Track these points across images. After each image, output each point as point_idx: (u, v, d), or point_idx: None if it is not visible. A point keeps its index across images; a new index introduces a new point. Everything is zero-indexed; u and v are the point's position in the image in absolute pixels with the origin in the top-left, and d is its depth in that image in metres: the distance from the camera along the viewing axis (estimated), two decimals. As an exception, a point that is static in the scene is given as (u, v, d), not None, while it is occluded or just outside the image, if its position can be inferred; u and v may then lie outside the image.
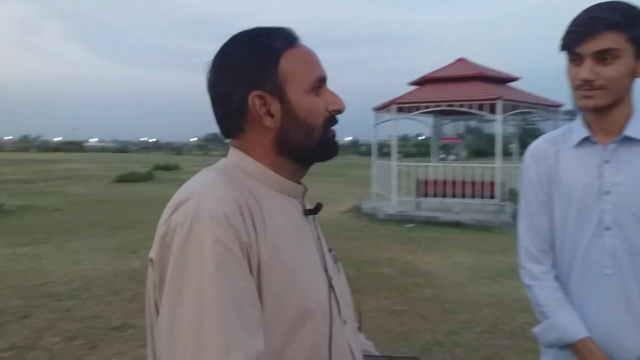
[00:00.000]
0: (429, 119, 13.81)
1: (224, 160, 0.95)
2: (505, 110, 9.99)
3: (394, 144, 11.07)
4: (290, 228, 0.89)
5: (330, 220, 9.61)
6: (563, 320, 1.30)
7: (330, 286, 0.92)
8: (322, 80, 0.93)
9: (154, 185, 16.78)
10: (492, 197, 9.85)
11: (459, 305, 4.70)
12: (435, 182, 10.36)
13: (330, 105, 0.93)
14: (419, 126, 13.74)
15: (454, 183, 10.21)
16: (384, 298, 4.91)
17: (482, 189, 9.96)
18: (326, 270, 0.94)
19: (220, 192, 0.81)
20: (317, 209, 0.99)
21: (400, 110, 10.89)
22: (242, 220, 0.79)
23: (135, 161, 28.37)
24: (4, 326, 4.10)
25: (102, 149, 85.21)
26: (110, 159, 40.09)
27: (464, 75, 11.13)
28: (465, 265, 6.20)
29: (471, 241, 7.79)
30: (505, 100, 9.77)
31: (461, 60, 11.90)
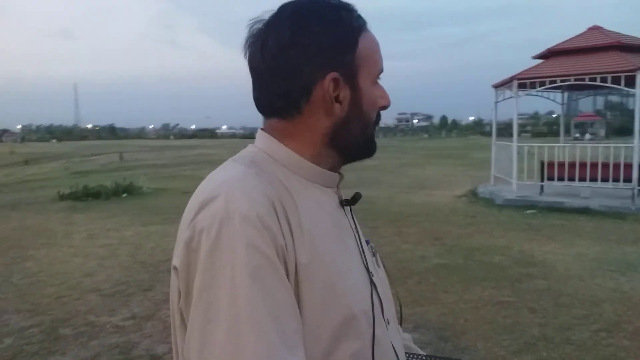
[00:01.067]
0: (558, 95, 12.70)
1: (250, 147, 0.84)
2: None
3: (515, 123, 10.37)
4: (327, 223, 0.80)
5: (443, 205, 9.34)
6: None
7: (372, 284, 0.84)
8: (381, 72, 0.85)
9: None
10: (628, 180, 8.84)
11: (575, 299, 4.32)
12: (561, 165, 9.54)
13: (380, 100, 0.84)
14: (552, 103, 12.69)
15: (583, 165, 9.31)
16: (491, 288, 4.68)
17: (617, 172, 8.96)
18: (367, 267, 0.85)
19: (250, 188, 0.72)
20: (354, 199, 0.89)
21: (522, 86, 10.14)
22: (276, 219, 0.70)
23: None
24: (128, 297, 4.61)
25: (232, 135, 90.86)
26: (238, 144, 42.65)
27: (596, 45, 10.03)
28: (589, 256, 5.66)
29: (600, 229, 7.08)
30: (646, 71, 8.64)
31: (595, 29, 10.72)
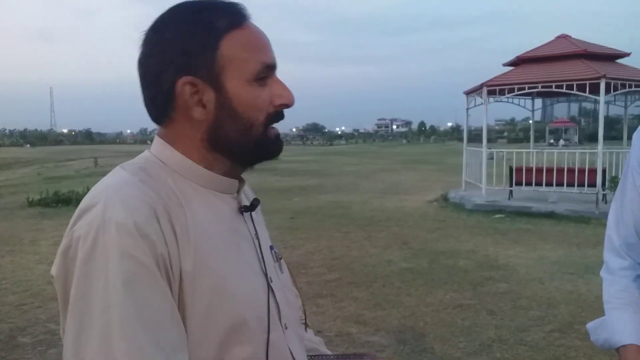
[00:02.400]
0: (529, 102, 12.97)
1: (145, 153, 0.83)
2: (613, 90, 9.11)
3: (484, 129, 10.56)
4: (219, 229, 0.79)
5: (414, 210, 9.45)
6: (615, 321, 1.17)
7: (270, 289, 0.84)
8: (269, 69, 0.80)
9: (251, 174, 17.40)
10: (593, 185, 9.07)
11: (533, 301, 4.44)
12: (529, 170, 9.73)
13: (277, 99, 0.80)
14: (527, 110, 12.89)
15: (550, 170, 9.51)
16: (452, 291, 4.76)
17: (582, 177, 9.19)
18: (265, 272, 0.85)
19: (130, 196, 0.71)
20: (253, 205, 0.88)
21: (492, 93, 10.35)
22: (158, 227, 0.70)
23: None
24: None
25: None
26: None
27: (564, 54, 10.28)
28: (551, 260, 5.80)
29: (564, 233, 7.26)
30: (609, 78, 8.90)
31: (562, 37, 10.99)
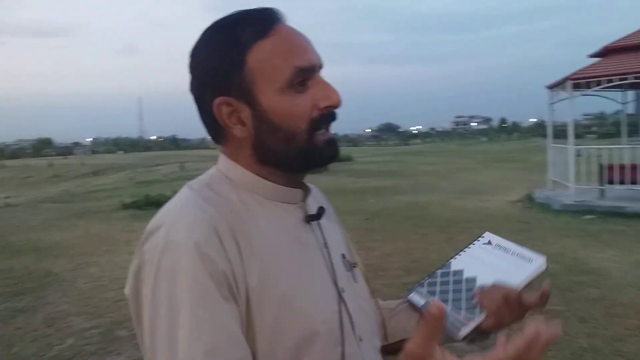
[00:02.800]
0: (619, 94, 12.10)
1: (211, 169, 0.84)
2: None
3: (570, 124, 9.99)
4: (284, 241, 0.78)
5: (496, 211, 9.13)
6: None
7: (342, 300, 0.81)
8: (304, 72, 0.76)
9: (326, 176, 17.62)
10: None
11: (629, 309, 4.15)
12: (622, 167, 9.09)
13: (321, 101, 0.77)
14: (617, 103, 12.04)
15: (647, 167, 8.83)
16: (539, 296, 4.55)
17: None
18: (335, 283, 0.82)
19: (191, 216, 0.72)
20: (319, 214, 0.86)
21: (577, 86, 9.77)
22: (219, 245, 0.70)
23: (313, 154, 29.92)
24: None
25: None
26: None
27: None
28: (649, 264, 5.39)
29: (664, 235, 6.71)
30: None
31: (659, 24, 10.19)
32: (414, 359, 0.55)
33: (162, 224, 0.72)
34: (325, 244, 0.85)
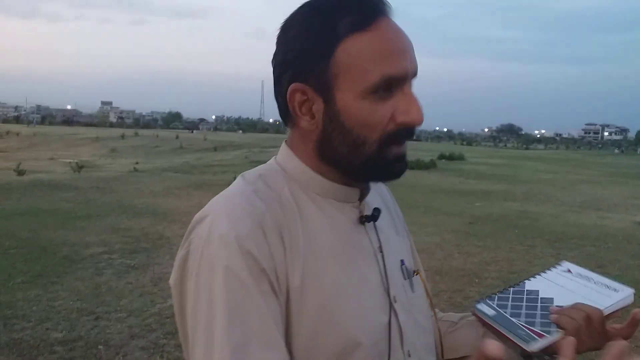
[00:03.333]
0: None
1: (271, 160, 0.82)
2: None
3: None
4: (334, 241, 0.74)
5: (617, 231, 8.31)
6: None
7: (392, 310, 0.77)
8: (395, 80, 0.69)
9: (434, 174, 17.25)
10: None
11: None
12: None
13: (400, 116, 0.70)
14: None
15: None
16: (653, 330, 4.10)
17: None
18: (388, 291, 0.77)
19: (238, 208, 0.69)
20: (375, 215, 0.80)
21: None
22: (263, 240, 0.68)
23: (423, 150, 29.76)
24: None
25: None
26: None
27: None
28: None
29: None
30: None
31: None
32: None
33: (209, 214, 0.71)
34: (380, 247, 0.80)
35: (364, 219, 0.79)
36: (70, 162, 15.88)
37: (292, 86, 0.71)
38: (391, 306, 0.77)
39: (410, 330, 0.79)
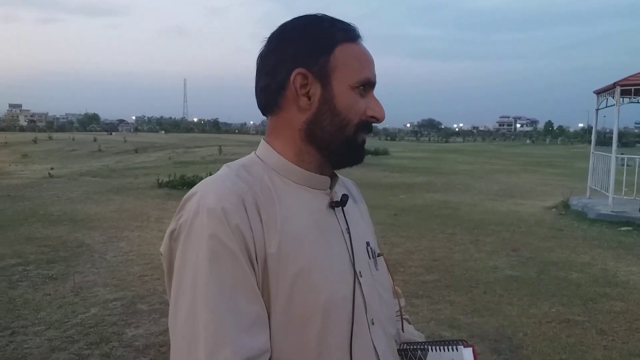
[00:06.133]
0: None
1: (251, 154, 0.94)
2: None
3: (615, 132, 9.63)
4: (307, 221, 0.86)
5: (529, 216, 8.92)
6: None
7: (357, 282, 0.88)
8: (370, 84, 0.90)
9: (360, 169, 17.52)
10: None
11: (653, 325, 4.00)
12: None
13: (370, 111, 0.90)
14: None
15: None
16: (560, 305, 4.46)
17: None
18: (353, 265, 0.89)
19: (223, 187, 0.81)
20: (343, 201, 0.93)
21: (626, 93, 9.39)
22: (244, 214, 0.79)
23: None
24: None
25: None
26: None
27: None
28: (682, 281, 5.17)
29: None
30: None
31: None
32: None
33: (198, 191, 0.83)
34: (348, 229, 0.92)
35: (333, 204, 0.92)
36: (-25, 170, 14.69)
37: (297, 70, 0.86)
38: (356, 279, 0.88)
39: (374, 301, 0.91)
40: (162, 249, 0.83)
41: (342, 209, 0.93)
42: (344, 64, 0.87)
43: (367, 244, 0.97)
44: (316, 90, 0.87)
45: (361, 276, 0.89)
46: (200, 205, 0.79)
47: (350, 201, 0.96)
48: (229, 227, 0.77)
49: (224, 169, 0.89)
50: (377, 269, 0.96)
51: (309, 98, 0.87)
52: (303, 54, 0.87)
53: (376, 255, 0.99)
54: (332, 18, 0.91)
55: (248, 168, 0.89)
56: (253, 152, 0.94)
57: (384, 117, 0.91)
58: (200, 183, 0.86)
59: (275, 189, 0.86)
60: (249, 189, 0.83)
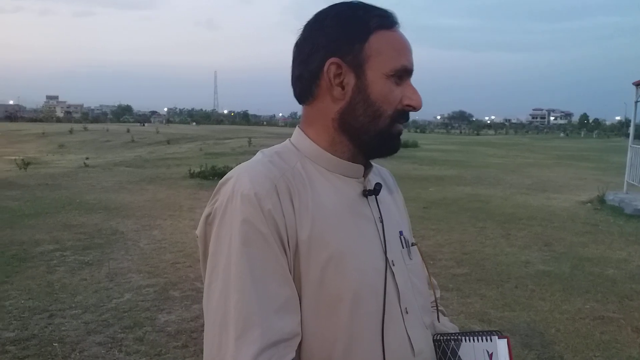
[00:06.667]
0: None
1: (285, 141, 0.95)
2: None
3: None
4: (339, 208, 0.86)
5: (562, 210, 8.72)
6: None
7: (389, 270, 0.88)
8: (406, 71, 0.88)
9: (390, 161, 17.19)
10: None
11: (692, 324, 3.88)
12: None
13: (406, 99, 0.87)
14: None
15: None
16: (594, 301, 4.36)
17: None
18: (386, 254, 0.89)
19: (257, 172, 0.82)
20: (376, 189, 0.92)
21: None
22: (277, 200, 0.79)
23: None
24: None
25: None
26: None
27: None
28: None
29: None
30: None
31: None
32: None
33: (232, 176, 0.83)
34: (381, 218, 0.91)
35: (366, 192, 0.91)
36: (15, 159, 15.22)
37: (331, 60, 0.85)
38: (387, 267, 0.88)
39: (408, 291, 0.91)
40: (198, 231, 0.85)
41: (376, 198, 0.92)
42: (378, 52, 0.85)
43: (400, 232, 0.96)
44: (350, 79, 0.86)
45: (394, 265, 0.89)
46: (235, 190, 0.80)
47: (384, 190, 0.96)
48: (262, 212, 0.78)
49: (258, 155, 0.90)
50: (410, 259, 0.96)
51: (343, 88, 0.86)
52: (337, 42, 0.86)
53: (410, 244, 0.98)
54: (367, 5, 0.89)
55: (281, 155, 0.89)
56: (288, 140, 0.94)
57: (421, 106, 0.88)
58: (235, 168, 0.87)
59: (308, 175, 0.86)
60: (281, 175, 0.83)
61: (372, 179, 0.96)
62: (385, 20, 0.88)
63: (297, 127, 0.95)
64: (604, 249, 6.16)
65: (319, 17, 0.89)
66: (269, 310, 0.75)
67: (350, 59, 0.85)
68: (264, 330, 0.73)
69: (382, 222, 0.91)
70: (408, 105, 0.88)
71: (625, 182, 10.25)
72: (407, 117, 0.90)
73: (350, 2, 0.89)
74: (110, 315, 3.90)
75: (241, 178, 0.81)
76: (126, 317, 3.86)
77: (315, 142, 0.90)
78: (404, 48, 0.88)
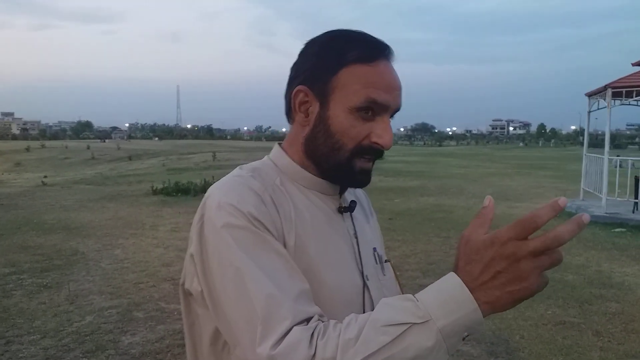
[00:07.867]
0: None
1: (264, 157, 0.96)
2: None
3: (607, 134, 9.71)
4: (317, 223, 0.88)
5: (523, 217, 8.93)
6: None
7: (365, 285, 0.90)
8: (375, 104, 0.85)
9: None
10: None
11: (648, 326, 4.03)
12: (658, 181, 8.78)
13: (374, 136, 0.86)
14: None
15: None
16: (556, 307, 4.48)
17: None
18: (361, 270, 0.91)
19: (239, 184, 0.83)
20: (350, 206, 0.95)
21: (617, 95, 9.48)
22: (264, 207, 0.80)
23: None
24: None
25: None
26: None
27: None
28: (676, 282, 5.21)
29: (697, 254, 6.47)
30: None
31: None
32: (464, 240, 0.73)
33: (215, 191, 0.84)
34: (355, 234, 0.94)
35: (342, 209, 0.94)
36: (-33, 179, 14.60)
37: (299, 87, 0.89)
38: (364, 283, 0.90)
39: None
40: (193, 249, 0.83)
41: (351, 215, 0.95)
42: (344, 85, 0.85)
43: (374, 249, 0.99)
44: (315, 108, 0.88)
45: (368, 279, 0.91)
46: (220, 201, 0.80)
47: (358, 208, 0.99)
48: (245, 215, 0.78)
49: (237, 170, 0.91)
50: (384, 274, 0.98)
51: (307, 115, 0.89)
52: (311, 71, 0.88)
53: (383, 261, 1.01)
54: (355, 36, 0.89)
55: (260, 171, 0.90)
56: (266, 156, 0.96)
57: (389, 146, 0.86)
58: (217, 182, 0.87)
59: (287, 191, 0.88)
60: (264, 188, 0.85)
61: (348, 197, 0.98)
62: (366, 53, 0.86)
63: (276, 144, 0.97)
64: (563, 255, 6.33)
65: (308, 44, 0.92)
66: (289, 299, 0.72)
67: (318, 88, 0.87)
68: (292, 314, 0.71)
69: (356, 238, 0.94)
70: (375, 143, 0.86)
71: (581, 190, 10.63)
72: (377, 154, 0.88)
73: (341, 31, 0.91)
74: (71, 339, 3.76)
75: (223, 190, 0.82)
76: (88, 340, 3.74)
77: (294, 160, 0.93)
78: (376, 82, 0.85)
